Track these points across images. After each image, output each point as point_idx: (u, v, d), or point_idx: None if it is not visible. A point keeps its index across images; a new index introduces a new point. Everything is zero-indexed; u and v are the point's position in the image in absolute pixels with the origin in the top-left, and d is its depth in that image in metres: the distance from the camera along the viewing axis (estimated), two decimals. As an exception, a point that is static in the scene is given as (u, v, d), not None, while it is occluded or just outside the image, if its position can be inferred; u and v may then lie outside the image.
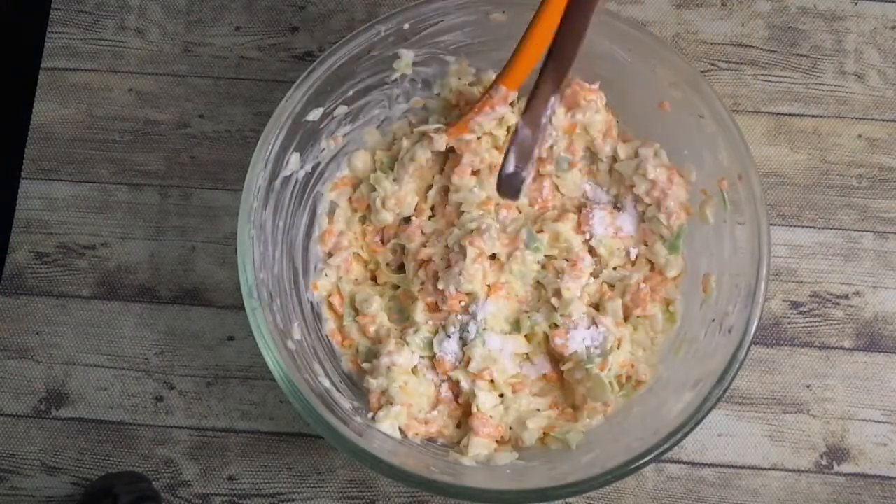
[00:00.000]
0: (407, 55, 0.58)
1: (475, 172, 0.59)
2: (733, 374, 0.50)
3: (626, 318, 0.57)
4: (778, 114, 0.66)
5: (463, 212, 0.59)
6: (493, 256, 0.57)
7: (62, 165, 0.65)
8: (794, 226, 0.64)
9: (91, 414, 0.61)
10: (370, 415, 0.55)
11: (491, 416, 0.55)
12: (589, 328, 0.56)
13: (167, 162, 0.65)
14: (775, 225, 0.64)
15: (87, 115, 0.66)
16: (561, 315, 0.56)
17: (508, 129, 0.59)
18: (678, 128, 0.57)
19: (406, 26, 0.56)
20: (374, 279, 0.61)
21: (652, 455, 0.49)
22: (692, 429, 0.49)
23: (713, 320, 0.54)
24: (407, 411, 0.55)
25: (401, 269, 0.60)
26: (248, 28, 0.68)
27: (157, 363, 0.62)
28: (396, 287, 0.60)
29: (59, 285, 0.63)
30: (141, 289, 0.63)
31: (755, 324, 0.51)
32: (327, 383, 0.54)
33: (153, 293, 0.63)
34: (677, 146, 0.57)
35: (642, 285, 0.57)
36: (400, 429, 0.55)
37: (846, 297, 0.63)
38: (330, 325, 0.58)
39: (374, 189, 0.59)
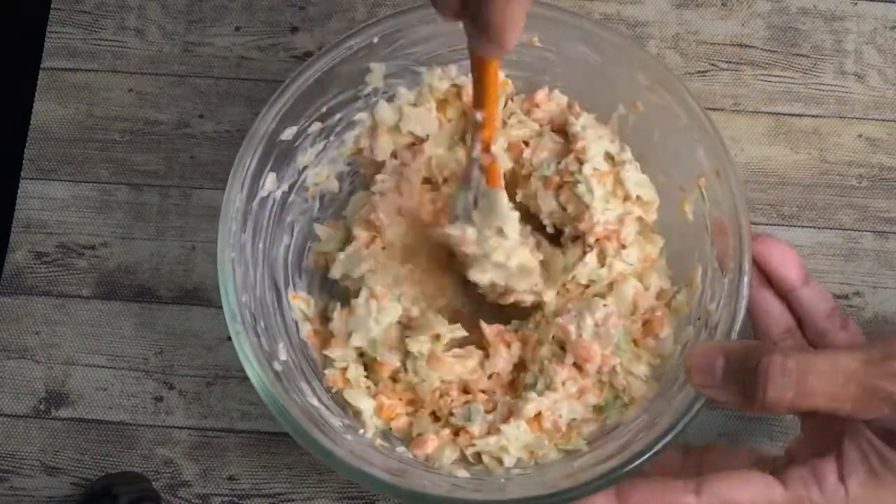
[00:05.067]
0: (378, 68, 0.58)
1: None
2: None
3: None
4: (778, 114, 0.66)
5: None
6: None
7: (62, 165, 0.65)
8: (794, 226, 0.64)
9: (91, 414, 0.61)
10: (361, 431, 0.55)
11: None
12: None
13: (167, 162, 0.65)
14: (774, 225, 0.64)
15: (87, 115, 0.66)
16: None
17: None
18: (653, 126, 0.57)
19: (376, 40, 0.56)
20: None
21: (645, 456, 0.48)
22: (687, 424, 0.48)
23: (699, 318, 0.54)
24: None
25: None
26: (248, 28, 0.68)
27: (156, 363, 0.62)
28: None
29: (58, 285, 0.63)
30: (141, 289, 0.63)
31: (740, 319, 0.50)
32: (315, 402, 0.54)
33: (153, 293, 0.63)
34: (652, 145, 0.57)
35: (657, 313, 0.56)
36: None
37: (846, 297, 0.63)
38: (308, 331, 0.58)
39: None
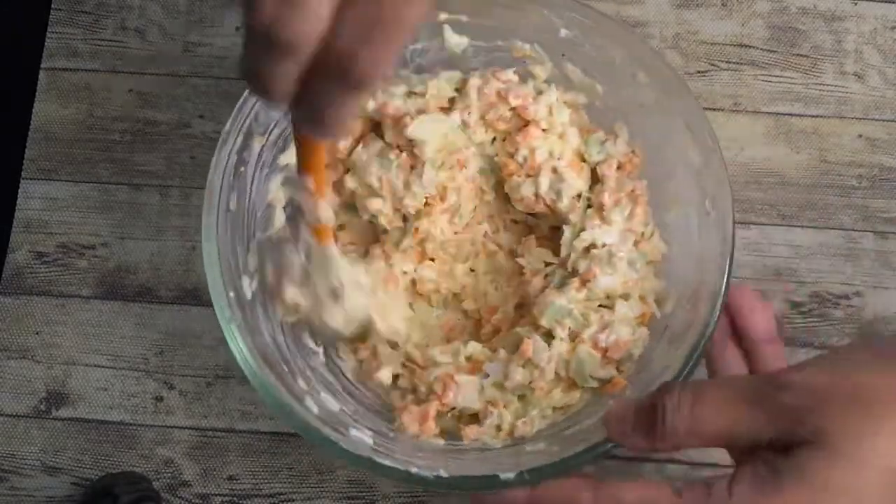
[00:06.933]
0: None
1: None
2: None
3: None
4: (778, 114, 0.66)
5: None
6: None
7: (62, 165, 0.65)
8: (794, 226, 0.64)
9: (91, 414, 0.61)
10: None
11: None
12: None
13: (167, 162, 0.65)
14: (774, 225, 0.64)
15: (87, 115, 0.66)
16: None
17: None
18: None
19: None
20: None
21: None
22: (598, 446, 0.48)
23: (666, 328, 0.54)
24: None
25: None
26: (248, 28, 0.67)
27: (156, 363, 0.62)
28: None
29: (58, 285, 0.63)
30: (141, 289, 0.63)
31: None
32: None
33: (153, 293, 0.63)
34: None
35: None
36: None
37: (846, 297, 0.63)
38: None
39: None
